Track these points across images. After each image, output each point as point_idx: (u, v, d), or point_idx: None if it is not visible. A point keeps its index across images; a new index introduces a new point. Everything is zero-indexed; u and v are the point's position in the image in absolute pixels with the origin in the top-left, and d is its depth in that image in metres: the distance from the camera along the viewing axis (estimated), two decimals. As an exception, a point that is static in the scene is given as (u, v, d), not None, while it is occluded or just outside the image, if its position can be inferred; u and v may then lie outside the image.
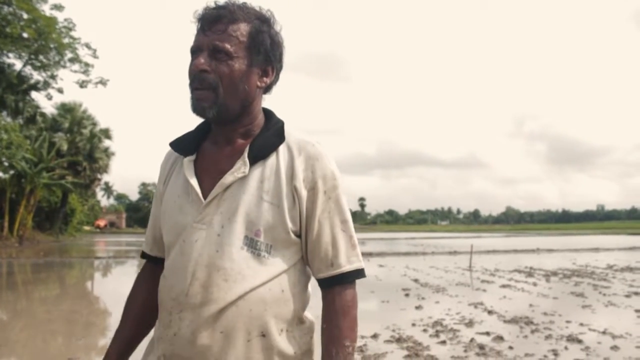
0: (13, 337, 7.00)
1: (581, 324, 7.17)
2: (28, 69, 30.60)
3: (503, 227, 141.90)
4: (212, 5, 1.30)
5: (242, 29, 1.27)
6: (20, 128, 29.41)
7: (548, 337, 6.43)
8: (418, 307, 8.61)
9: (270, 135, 1.33)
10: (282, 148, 1.31)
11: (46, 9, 27.48)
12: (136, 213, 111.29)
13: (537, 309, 8.42)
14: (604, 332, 6.66)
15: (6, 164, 28.38)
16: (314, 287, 1.40)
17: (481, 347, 5.89)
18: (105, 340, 6.81)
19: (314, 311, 1.40)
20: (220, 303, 1.23)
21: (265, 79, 1.34)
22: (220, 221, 1.26)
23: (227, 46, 1.25)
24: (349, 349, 1.28)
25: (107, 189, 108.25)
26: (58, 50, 28.55)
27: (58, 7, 28.09)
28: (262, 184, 1.27)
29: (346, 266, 1.32)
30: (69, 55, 29.09)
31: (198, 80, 1.26)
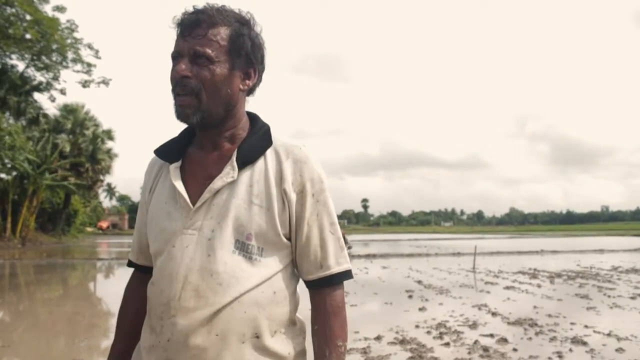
0: (16, 339, 6.98)
1: (586, 326, 7.13)
2: (31, 70, 30.71)
3: (507, 229, 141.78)
4: (191, 9, 1.29)
5: (222, 32, 1.27)
6: (23, 129, 29.51)
7: (552, 339, 6.39)
8: (421, 309, 8.58)
9: (257, 139, 1.33)
10: (269, 152, 1.32)
11: (48, 10, 27.58)
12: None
13: (541, 311, 8.37)
14: (609, 334, 6.61)
15: (9, 165, 28.42)
16: (300, 288, 1.41)
17: (485, 349, 5.85)
18: (108, 342, 6.78)
19: (300, 312, 1.41)
20: (216, 306, 1.23)
21: (247, 81, 1.34)
22: (210, 226, 1.27)
23: (208, 51, 1.25)
24: (341, 348, 1.30)
25: (110, 190, 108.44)
26: (60, 51, 28.59)
27: (60, 9, 28.19)
28: (252, 188, 1.28)
29: (335, 267, 1.33)
30: (71, 55, 29.16)
31: (180, 86, 1.26)
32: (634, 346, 6.06)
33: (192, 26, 1.27)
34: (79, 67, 29.70)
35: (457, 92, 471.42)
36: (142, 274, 1.49)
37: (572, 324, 7.32)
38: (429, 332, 6.77)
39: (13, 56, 29.16)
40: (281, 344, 1.31)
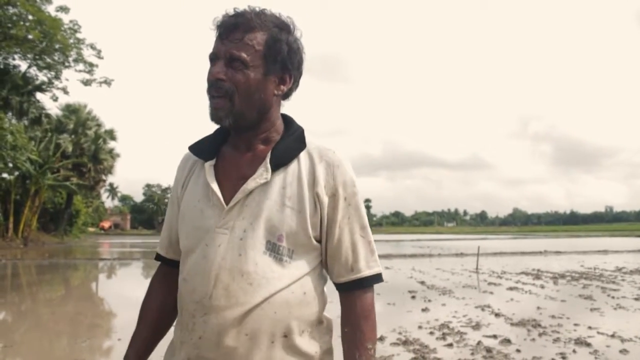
0: (18, 339, 6.96)
1: (589, 327, 7.09)
2: (33, 70, 30.70)
3: (510, 229, 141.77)
4: (231, 12, 1.31)
5: (259, 37, 1.28)
6: (25, 129, 29.48)
7: (556, 340, 6.35)
8: (424, 310, 8.55)
9: (291, 142, 1.35)
10: (303, 155, 1.34)
11: (52, 11, 27.59)
12: (141, 214, 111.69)
13: (544, 312, 8.33)
14: (612, 336, 6.57)
15: (11, 165, 28.43)
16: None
17: (488, 350, 5.82)
18: (110, 342, 6.79)
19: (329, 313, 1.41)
20: (246, 306, 1.25)
21: (282, 86, 1.35)
22: (242, 226, 1.28)
23: (243, 55, 1.27)
24: (371, 351, 1.32)
25: (112, 190, 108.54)
26: (63, 52, 28.61)
27: (63, 9, 28.18)
28: (284, 190, 1.30)
29: (366, 271, 1.35)
30: (73, 55, 29.17)
31: (214, 88, 1.28)
32: (638, 347, 6.01)
33: (230, 29, 1.28)
34: (81, 66, 29.72)
35: (460, 92, 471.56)
36: (170, 267, 1.50)
37: (575, 325, 7.27)
38: (431, 333, 6.74)
39: (15, 56, 29.17)
40: (309, 343, 1.32)
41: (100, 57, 30.17)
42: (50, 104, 41.97)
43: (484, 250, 23.31)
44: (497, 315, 8.04)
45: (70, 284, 14.64)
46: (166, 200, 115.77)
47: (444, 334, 6.67)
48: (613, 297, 9.92)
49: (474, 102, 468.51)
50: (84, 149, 39.76)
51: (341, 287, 1.36)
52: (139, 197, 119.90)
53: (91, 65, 29.80)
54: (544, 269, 16.34)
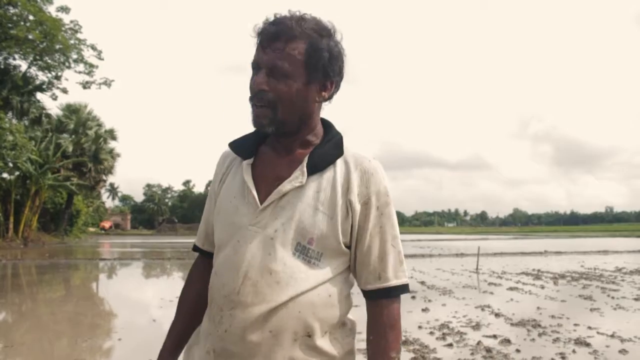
0: (18, 339, 6.96)
1: (589, 327, 7.09)
2: (33, 70, 30.71)
3: (510, 229, 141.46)
4: (271, 19, 1.32)
5: (300, 46, 1.29)
6: (26, 129, 29.50)
7: (556, 340, 6.36)
8: (424, 310, 8.55)
9: (329, 148, 1.37)
10: (339, 161, 1.36)
11: (52, 11, 27.61)
12: (141, 214, 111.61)
13: (544, 312, 8.34)
14: (612, 336, 6.57)
15: (11, 165, 28.44)
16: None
17: (488, 350, 5.83)
18: (111, 342, 6.79)
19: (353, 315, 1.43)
20: (272, 304, 1.27)
21: (324, 93, 1.36)
22: (274, 226, 1.30)
23: (286, 65, 1.28)
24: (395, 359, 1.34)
25: (112, 190, 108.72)
26: (63, 52, 28.62)
27: (64, 9, 28.20)
28: (318, 195, 1.32)
29: (394, 280, 1.36)
30: (74, 56, 29.18)
31: (257, 98, 1.30)
32: (638, 348, 6.02)
33: (271, 38, 1.29)
34: (81, 67, 29.73)
35: (460, 93, 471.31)
36: (207, 259, 1.53)
37: (575, 325, 7.28)
38: (431, 333, 6.75)
39: (16, 56, 29.17)
40: (331, 344, 1.34)
41: (100, 58, 30.21)
42: (51, 103, 41.98)
43: (484, 250, 23.30)
44: (497, 315, 8.05)
45: (71, 284, 14.63)
46: (166, 200, 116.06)
47: (444, 334, 6.68)
48: (613, 298, 9.92)
49: (474, 103, 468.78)
50: (84, 149, 39.79)
51: (368, 295, 1.38)
52: (139, 197, 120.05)
53: (91, 66, 29.83)
54: (544, 269, 16.33)
